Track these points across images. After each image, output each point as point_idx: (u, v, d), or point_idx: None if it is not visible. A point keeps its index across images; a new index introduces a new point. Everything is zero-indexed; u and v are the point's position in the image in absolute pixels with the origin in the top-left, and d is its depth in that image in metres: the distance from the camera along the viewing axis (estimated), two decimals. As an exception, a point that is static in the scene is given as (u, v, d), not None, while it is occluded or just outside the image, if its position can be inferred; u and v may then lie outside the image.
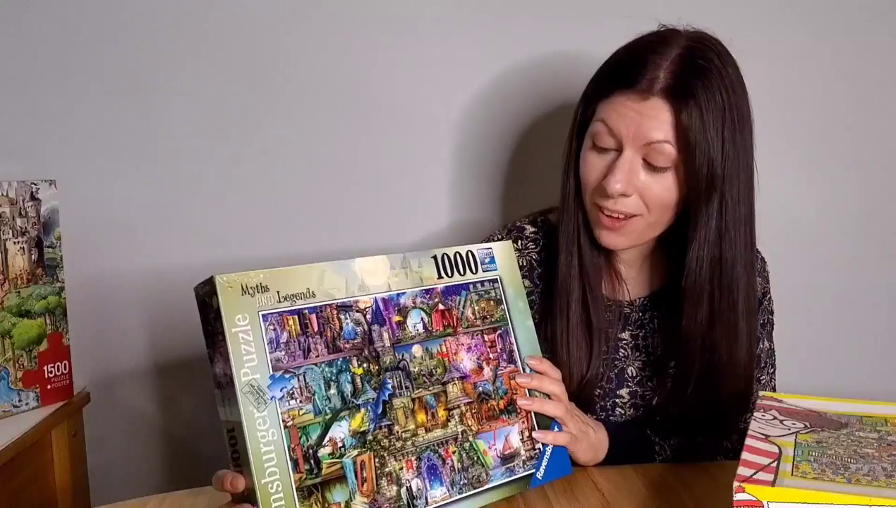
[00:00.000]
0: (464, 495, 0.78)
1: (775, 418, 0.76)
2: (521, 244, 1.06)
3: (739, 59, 0.94)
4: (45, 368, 1.23)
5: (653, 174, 0.90)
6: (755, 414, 0.77)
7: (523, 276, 1.04)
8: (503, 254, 0.88)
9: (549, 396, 0.86)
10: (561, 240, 1.00)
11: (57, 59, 1.31)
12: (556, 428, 0.86)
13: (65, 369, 1.26)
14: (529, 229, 1.07)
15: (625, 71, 0.90)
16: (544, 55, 1.33)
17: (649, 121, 0.87)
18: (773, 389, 1.06)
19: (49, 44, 1.31)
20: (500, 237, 1.07)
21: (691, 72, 0.88)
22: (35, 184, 1.21)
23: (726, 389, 0.95)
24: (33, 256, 1.21)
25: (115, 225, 1.35)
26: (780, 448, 0.69)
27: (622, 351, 1.04)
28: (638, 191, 0.91)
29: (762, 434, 0.72)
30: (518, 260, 1.04)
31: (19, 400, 1.20)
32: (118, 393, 1.39)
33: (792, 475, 0.64)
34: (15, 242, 1.18)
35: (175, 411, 1.41)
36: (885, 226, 1.40)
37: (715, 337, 0.94)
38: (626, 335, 1.04)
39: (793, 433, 0.73)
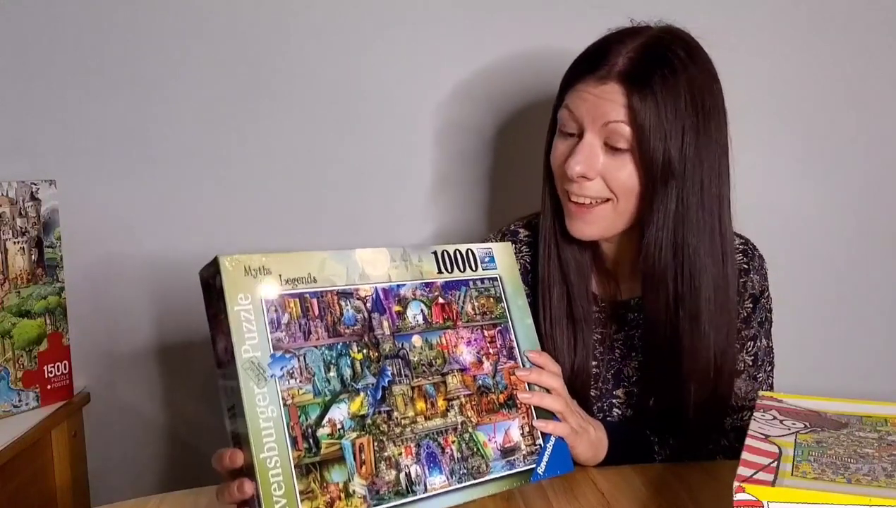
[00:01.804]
0: (463, 484, 0.78)
1: (775, 418, 0.76)
2: (516, 248, 1.06)
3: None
4: (45, 368, 1.23)
5: (613, 157, 0.91)
6: (755, 413, 0.77)
7: None
8: (503, 254, 0.88)
9: (548, 391, 0.86)
10: (540, 235, 1.01)
11: (57, 59, 1.31)
12: None
13: (65, 369, 1.26)
14: (523, 233, 1.08)
15: (589, 59, 0.93)
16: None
17: (607, 103, 0.89)
18: (771, 387, 1.06)
19: (49, 44, 1.31)
20: (495, 240, 1.07)
21: (650, 59, 0.89)
22: (35, 184, 1.21)
23: (691, 380, 0.95)
24: (33, 256, 1.21)
25: (115, 225, 1.35)
26: (780, 448, 0.69)
27: (618, 351, 1.04)
28: (600, 174, 0.92)
29: (762, 434, 0.72)
30: None
31: (19, 400, 1.20)
32: (118, 393, 1.39)
33: (792, 475, 0.64)
34: (15, 242, 1.18)
35: (175, 411, 1.41)
36: (885, 225, 1.40)
37: (678, 324, 0.94)
38: (621, 335, 1.04)
39: (793, 433, 0.73)
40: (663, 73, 0.89)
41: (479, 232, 1.37)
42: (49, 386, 1.24)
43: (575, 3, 1.33)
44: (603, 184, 0.92)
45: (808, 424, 0.75)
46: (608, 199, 0.93)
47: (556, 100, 0.98)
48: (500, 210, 1.37)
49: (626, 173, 0.91)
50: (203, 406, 1.39)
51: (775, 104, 1.35)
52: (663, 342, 0.96)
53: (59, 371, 1.25)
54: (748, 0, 1.34)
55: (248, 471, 0.68)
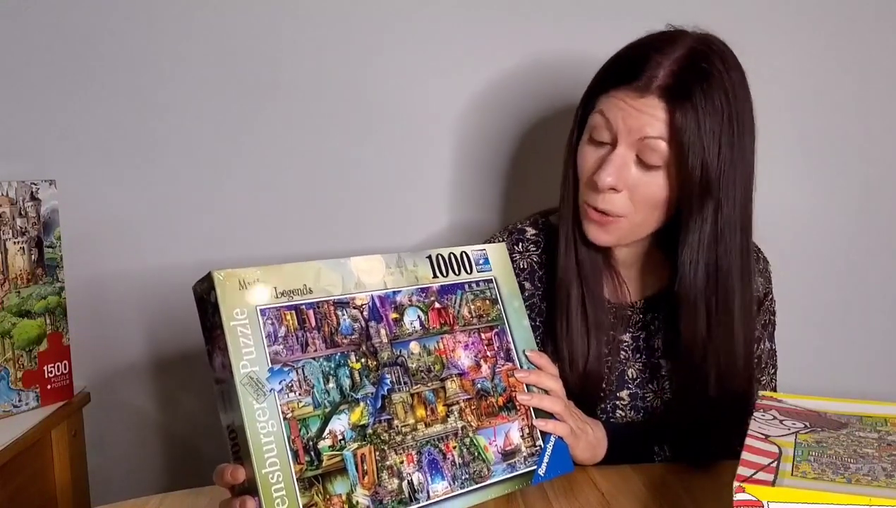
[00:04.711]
0: (466, 490, 0.78)
1: (775, 418, 0.76)
2: (522, 246, 1.06)
3: (738, 58, 0.93)
4: (45, 368, 1.23)
5: (644, 172, 0.90)
6: (755, 413, 0.77)
7: (525, 279, 1.04)
8: (497, 255, 0.88)
9: (547, 392, 0.86)
10: (560, 233, 1.00)
11: (57, 59, 1.31)
12: None
13: (65, 369, 1.26)
14: (530, 231, 1.07)
15: (627, 66, 0.90)
16: (545, 56, 1.33)
17: (645, 117, 0.87)
18: (774, 390, 1.06)
19: (49, 44, 1.31)
20: (500, 239, 1.07)
21: (691, 73, 0.87)
22: (35, 184, 1.21)
23: (724, 396, 0.95)
24: (33, 256, 1.21)
25: (114, 225, 1.35)
26: (780, 448, 0.69)
27: (623, 352, 1.03)
28: (628, 187, 0.91)
29: (762, 434, 0.72)
30: (519, 263, 1.04)
31: (19, 400, 1.20)
32: (118, 393, 1.39)
33: (792, 475, 0.64)
34: (15, 242, 1.18)
35: (175, 411, 1.41)
36: (885, 225, 1.40)
37: (714, 346, 0.94)
38: (627, 337, 1.04)
39: (793, 433, 0.73)
40: (704, 87, 0.87)
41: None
42: (49, 386, 1.24)
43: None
44: (627, 200, 0.91)
45: (808, 424, 0.75)
46: (626, 215, 0.92)
47: (582, 101, 0.96)
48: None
49: (654, 188, 0.90)
50: (203, 405, 1.39)
51: (775, 104, 1.35)
52: (696, 358, 0.95)
53: (59, 371, 1.25)
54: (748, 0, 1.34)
55: (250, 486, 0.68)
